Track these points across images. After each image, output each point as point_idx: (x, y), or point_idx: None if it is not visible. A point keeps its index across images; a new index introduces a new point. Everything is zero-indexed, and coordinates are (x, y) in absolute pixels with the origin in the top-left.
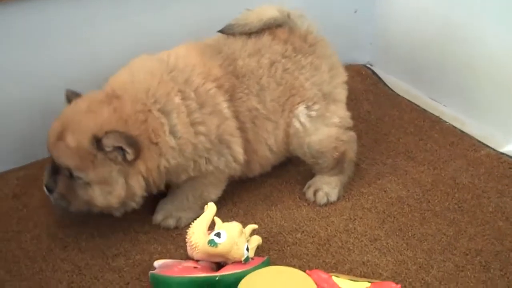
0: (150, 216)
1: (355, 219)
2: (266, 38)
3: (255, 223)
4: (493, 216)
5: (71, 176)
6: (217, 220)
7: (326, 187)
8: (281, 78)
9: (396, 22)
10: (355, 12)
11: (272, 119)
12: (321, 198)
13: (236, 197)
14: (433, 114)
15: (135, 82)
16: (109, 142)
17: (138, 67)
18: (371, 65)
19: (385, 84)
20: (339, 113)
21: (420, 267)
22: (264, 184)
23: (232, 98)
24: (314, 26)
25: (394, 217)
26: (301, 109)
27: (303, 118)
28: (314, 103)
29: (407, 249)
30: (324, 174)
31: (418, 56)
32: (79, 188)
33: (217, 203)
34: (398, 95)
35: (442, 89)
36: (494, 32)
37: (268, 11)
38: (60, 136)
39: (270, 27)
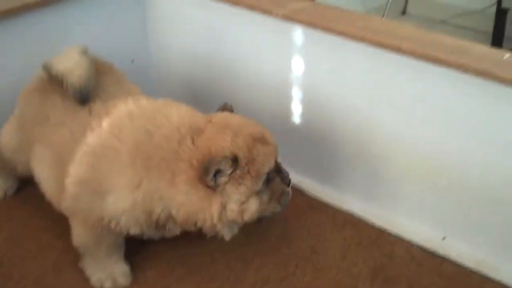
0: None
1: (145, 269)
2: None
3: None
4: (278, 243)
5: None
6: None
7: None
8: None
9: (174, 68)
10: (132, 62)
11: None
12: None
13: None
14: None
15: None
16: None
17: None
18: None
19: None
20: None
21: None
22: None
23: None
24: None
25: (184, 262)
26: None
27: None
28: None
29: None
30: None
31: (200, 99)
32: None
33: None
34: None
35: None
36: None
37: (74, 56)
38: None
39: None
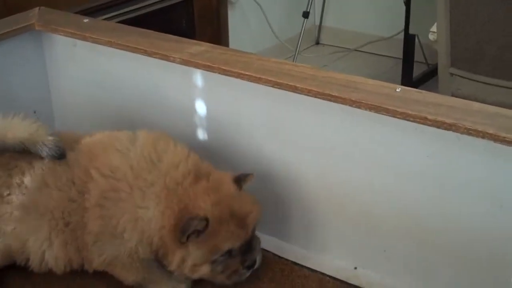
0: None
1: None
2: None
3: None
4: None
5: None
6: None
7: None
8: None
9: (77, 119)
10: (34, 113)
11: None
12: None
13: None
14: None
15: None
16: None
17: None
18: None
19: None
20: None
21: None
22: None
23: None
24: None
25: None
26: None
27: None
28: None
29: None
30: None
31: None
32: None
33: None
34: None
35: None
36: None
37: (21, 121)
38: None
39: None
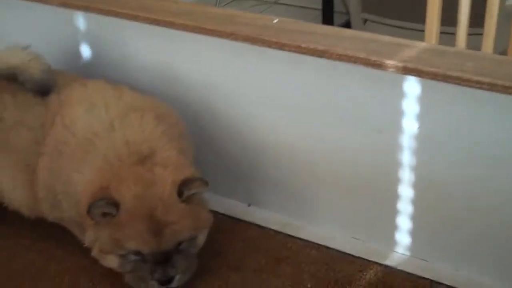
0: None
1: None
2: None
3: None
4: None
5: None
6: None
7: None
8: None
9: None
10: None
11: None
12: None
13: None
14: None
15: None
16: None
17: None
18: None
19: None
20: None
21: None
22: None
23: None
24: None
25: None
26: None
27: None
28: None
29: None
30: None
31: None
32: (193, 251)
33: None
34: None
35: None
36: None
37: (20, 51)
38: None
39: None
